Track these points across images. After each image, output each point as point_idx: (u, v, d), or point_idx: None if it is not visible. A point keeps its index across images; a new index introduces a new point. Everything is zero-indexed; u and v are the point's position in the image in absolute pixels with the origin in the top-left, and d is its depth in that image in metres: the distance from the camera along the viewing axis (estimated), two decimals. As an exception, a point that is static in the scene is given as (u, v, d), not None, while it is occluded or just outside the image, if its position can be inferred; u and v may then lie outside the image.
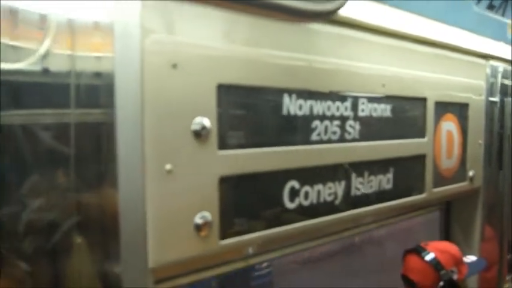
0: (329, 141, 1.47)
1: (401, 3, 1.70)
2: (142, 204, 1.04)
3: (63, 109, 0.93)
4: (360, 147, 1.59)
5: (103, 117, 0.99)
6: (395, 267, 2.00)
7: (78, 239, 0.96)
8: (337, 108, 1.49)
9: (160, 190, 1.07)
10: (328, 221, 1.49)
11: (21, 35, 0.88)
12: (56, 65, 0.92)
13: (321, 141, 1.44)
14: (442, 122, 2.04)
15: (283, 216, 1.37)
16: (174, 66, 1.07)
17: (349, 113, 1.54)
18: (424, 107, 1.91)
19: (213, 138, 1.15)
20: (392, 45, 1.77)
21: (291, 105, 1.35)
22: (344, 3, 1.19)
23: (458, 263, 1.92)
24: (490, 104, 2.44)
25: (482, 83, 2.36)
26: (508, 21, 2.58)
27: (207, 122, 1.13)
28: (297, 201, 1.39)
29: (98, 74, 0.98)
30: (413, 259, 1.90)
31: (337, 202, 1.52)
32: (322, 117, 1.44)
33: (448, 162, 2.11)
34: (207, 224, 1.15)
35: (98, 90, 0.98)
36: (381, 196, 1.71)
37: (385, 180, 1.72)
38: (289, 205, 1.37)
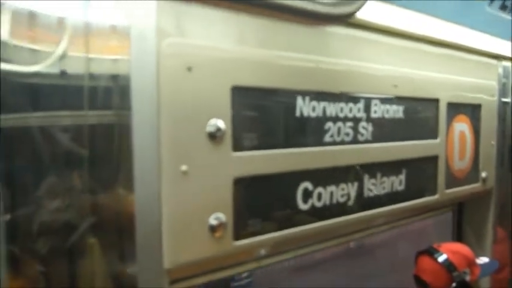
0: (342, 142, 1.47)
1: (413, 4, 1.70)
2: (158, 205, 1.06)
3: (79, 111, 0.95)
4: (372, 148, 1.59)
5: (119, 119, 1.00)
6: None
7: (95, 240, 0.97)
8: (350, 110, 1.49)
9: (175, 191, 1.08)
10: (340, 223, 1.49)
11: (39, 37, 0.90)
12: (73, 68, 0.94)
13: (334, 143, 1.44)
14: (454, 123, 2.03)
15: (296, 218, 1.37)
16: (189, 69, 1.08)
17: (361, 114, 1.54)
18: (437, 108, 1.91)
19: (228, 140, 1.16)
20: (405, 46, 1.77)
21: (304, 107, 1.35)
22: (362, 6, 1.19)
23: (471, 264, 1.92)
24: (503, 105, 2.42)
25: (494, 84, 2.34)
26: (521, 21, 2.57)
27: (221, 123, 1.13)
28: (310, 202, 1.39)
29: (114, 77, 0.99)
30: (425, 260, 1.90)
31: (349, 203, 1.52)
32: (335, 119, 1.44)
33: (461, 164, 2.10)
34: (221, 225, 1.15)
35: (114, 93, 0.99)
36: (393, 197, 1.71)
37: (397, 182, 1.72)
38: (302, 206, 1.37)
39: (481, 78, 2.23)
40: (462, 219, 2.59)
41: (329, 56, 1.44)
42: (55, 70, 0.91)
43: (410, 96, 1.75)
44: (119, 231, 1.02)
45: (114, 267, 1.02)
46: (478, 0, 2.17)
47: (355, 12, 1.18)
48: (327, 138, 1.43)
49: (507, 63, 2.43)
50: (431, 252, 1.89)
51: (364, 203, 1.58)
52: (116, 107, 1.00)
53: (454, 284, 1.83)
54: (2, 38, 0.85)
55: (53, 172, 0.92)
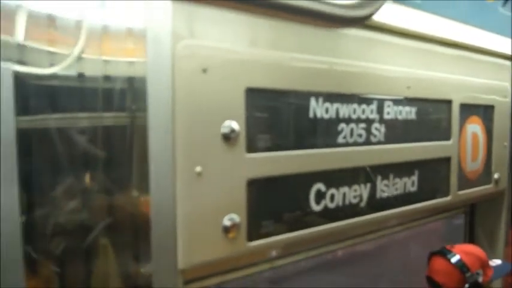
0: (355, 143, 1.47)
1: (426, 6, 1.69)
2: (173, 206, 1.06)
3: (96, 113, 0.96)
4: (385, 149, 1.59)
5: (135, 121, 1.01)
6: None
7: (110, 240, 0.98)
8: (363, 111, 1.50)
9: (190, 192, 1.09)
10: (353, 224, 1.49)
11: (56, 40, 0.91)
12: (90, 70, 0.95)
13: (346, 144, 1.45)
14: (467, 124, 2.02)
15: (309, 219, 1.37)
16: (204, 71, 1.08)
17: (374, 115, 1.54)
18: (449, 109, 1.90)
19: (242, 141, 1.17)
20: (418, 47, 1.76)
21: (318, 109, 1.36)
22: (380, 8, 1.19)
23: (484, 265, 1.90)
24: (516, 106, 2.40)
25: (507, 85, 2.32)
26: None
27: (235, 125, 1.14)
28: (322, 203, 1.39)
29: (130, 79, 1.00)
30: (438, 261, 1.88)
31: (362, 205, 1.52)
32: (348, 120, 1.45)
33: (473, 165, 2.08)
34: (235, 226, 1.16)
35: (130, 95, 1.00)
36: (405, 199, 1.71)
37: (410, 183, 1.72)
38: (315, 207, 1.38)
39: (493, 79, 2.21)
40: (474, 221, 2.57)
41: (342, 57, 1.44)
42: (72, 72, 0.92)
43: (424, 98, 1.75)
44: (134, 232, 1.03)
45: (129, 268, 1.03)
46: (491, 1, 2.16)
47: (373, 14, 1.17)
48: (340, 139, 1.43)
49: (520, 64, 2.41)
50: (444, 253, 1.88)
51: (376, 204, 1.58)
52: (132, 109, 1.01)
53: (467, 285, 1.81)
54: (19, 41, 0.86)
55: (70, 173, 0.93)
